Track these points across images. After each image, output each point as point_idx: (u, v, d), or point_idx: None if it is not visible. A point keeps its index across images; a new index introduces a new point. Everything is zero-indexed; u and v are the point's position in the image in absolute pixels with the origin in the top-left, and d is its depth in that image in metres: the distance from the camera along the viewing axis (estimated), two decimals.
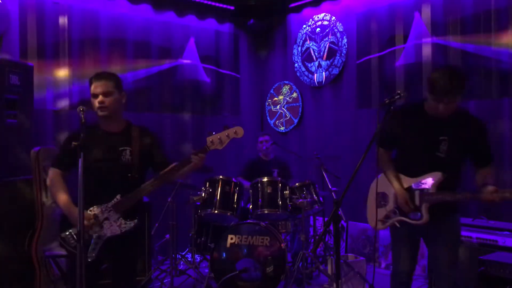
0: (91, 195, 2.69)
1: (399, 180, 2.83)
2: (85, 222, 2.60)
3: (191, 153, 2.71)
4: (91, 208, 2.72)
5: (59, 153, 2.89)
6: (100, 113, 2.73)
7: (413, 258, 2.93)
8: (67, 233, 2.74)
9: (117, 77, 2.84)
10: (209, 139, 2.69)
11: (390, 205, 2.88)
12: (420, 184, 2.74)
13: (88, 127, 2.77)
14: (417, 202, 2.74)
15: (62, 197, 2.73)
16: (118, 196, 2.73)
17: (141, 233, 2.97)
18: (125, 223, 2.73)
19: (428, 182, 2.71)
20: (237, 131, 2.70)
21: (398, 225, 2.85)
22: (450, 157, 2.68)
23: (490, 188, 2.56)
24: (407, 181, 2.80)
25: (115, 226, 2.72)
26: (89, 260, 2.65)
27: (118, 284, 2.84)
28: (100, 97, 2.70)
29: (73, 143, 2.38)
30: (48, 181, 2.87)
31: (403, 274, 2.91)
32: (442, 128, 2.68)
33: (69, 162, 2.75)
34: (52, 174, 2.82)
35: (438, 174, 2.68)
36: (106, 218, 2.72)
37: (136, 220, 2.75)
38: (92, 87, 2.74)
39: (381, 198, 2.92)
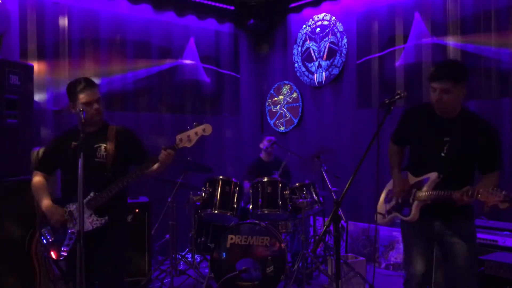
0: (69, 193, 2.81)
1: (400, 170, 2.90)
2: (58, 217, 2.76)
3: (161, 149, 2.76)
4: (67, 205, 2.81)
5: (42, 157, 2.98)
6: (96, 117, 2.85)
7: (429, 261, 2.80)
8: (44, 229, 2.86)
9: None
10: (178, 137, 2.75)
11: (393, 201, 2.93)
12: (418, 183, 2.76)
13: (69, 130, 2.98)
14: (411, 199, 2.77)
15: (46, 202, 2.81)
16: (91, 193, 2.78)
17: (118, 230, 2.93)
18: (97, 220, 2.78)
19: (425, 181, 2.73)
20: (205, 129, 2.76)
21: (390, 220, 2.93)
22: (452, 158, 2.64)
23: (465, 188, 2.49)
24: (411, 180, 2.83)
25: (87, 222, 2.76)
26: (63, 254, 2.76)
27: (103, 283, 2.86)
28: (96, 105, 2.83)
29: (73, 143, 2.50)
30: (32, 185, 2.90)
31: (419, 275, 2.75)
32: (448, 129, 2.66)
33: (52, 165, 2.89)
34: (35, 178, 2.90)
35: (434, 174, 2.67)
36: None
37: (107, 217, 2.79)
38: (85, 95, 2.81)
39: (391, 194, 2.98)
